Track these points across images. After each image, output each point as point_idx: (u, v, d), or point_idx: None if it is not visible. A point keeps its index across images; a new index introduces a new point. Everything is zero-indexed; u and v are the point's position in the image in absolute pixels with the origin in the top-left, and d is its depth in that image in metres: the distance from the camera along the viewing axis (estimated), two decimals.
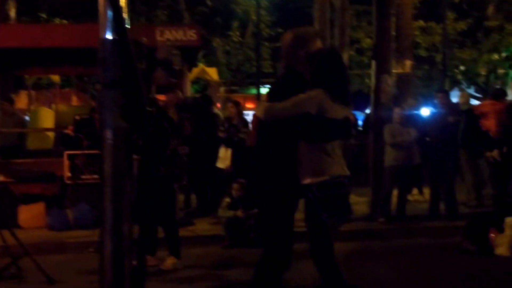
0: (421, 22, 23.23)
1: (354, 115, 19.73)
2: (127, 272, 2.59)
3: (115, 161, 2.56)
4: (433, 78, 25.62)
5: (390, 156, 9.93)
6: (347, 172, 4.54)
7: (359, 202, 11.20)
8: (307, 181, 4.44)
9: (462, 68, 24.80)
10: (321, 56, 4.49)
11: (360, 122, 19.50)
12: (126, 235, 2.59)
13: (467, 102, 12.50)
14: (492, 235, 8.03)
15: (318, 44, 4.59)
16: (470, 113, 11.20)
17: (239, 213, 8.78)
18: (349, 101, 4.54)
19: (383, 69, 10.33)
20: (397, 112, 10.04)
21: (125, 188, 2.59)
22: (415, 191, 12.18)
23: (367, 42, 23.62)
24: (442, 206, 10.16)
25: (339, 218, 4.55)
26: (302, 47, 4.52)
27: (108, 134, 2.56)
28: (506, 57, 23.72)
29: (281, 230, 4.57)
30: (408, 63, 18.99)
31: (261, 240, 4.98)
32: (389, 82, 10.39)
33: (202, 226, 9.69)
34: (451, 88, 21.60)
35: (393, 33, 10.95)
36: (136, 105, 2.63)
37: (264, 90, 27.12)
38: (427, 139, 10.32)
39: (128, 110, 2.59)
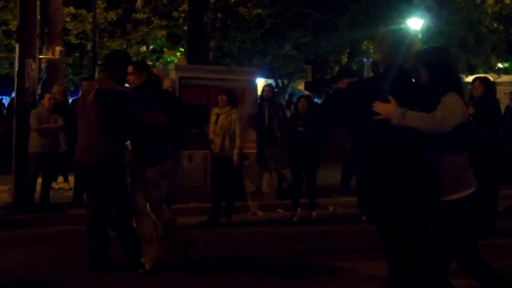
0: (72, 9, 23.07)
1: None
2: None
3: None
4: (84, 66, 25.62)
5: (35, 143, 9.71)
6: None
7: (1, 190, 10.82)
8: (454, 196, 4.15)
9: None
10: (443, 57, 4.30)
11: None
12: None
13: None
14: None
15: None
16: None
17: None
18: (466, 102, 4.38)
19: (27, 53, 10.06)
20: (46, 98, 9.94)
21: None
22: (60, 178, 12.11)
23: (15, 24, 22.70)
24: None
25: (487, 233, 4.31)
26: (409, 45, 4.24)
27: None
28: (153, 49, 24.75)
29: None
30: (58, 49, 18.76)
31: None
32: (34, 67, 10.13)
33: None
34: None
35: (39, 17, 10.68)
36: None
37: None
38: None
39: None
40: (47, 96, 10.09)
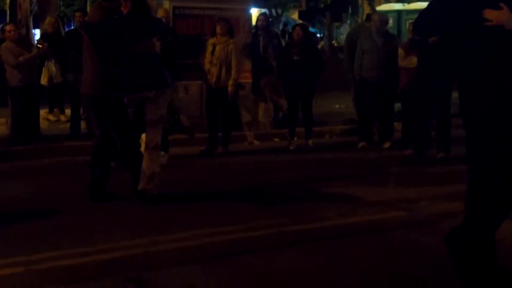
0: None
1: None
2: None
3: None
4: None
5: (13, 77, 9.62)
6: None
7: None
8: None
9: None
10: None
11: None
12: None
13: None
14: None
15: None
16: None
17: None
18: None
19: None
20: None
21: None
22: (56, 111, 12.13)
23: None
24: (83, 125, 10.27)
25: None
26: None
27: None
28: None
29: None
30: None
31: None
32: None
33: None
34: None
35: None
36: None
37: None
38: None
39: None
40: (7, 28, 9.89)
